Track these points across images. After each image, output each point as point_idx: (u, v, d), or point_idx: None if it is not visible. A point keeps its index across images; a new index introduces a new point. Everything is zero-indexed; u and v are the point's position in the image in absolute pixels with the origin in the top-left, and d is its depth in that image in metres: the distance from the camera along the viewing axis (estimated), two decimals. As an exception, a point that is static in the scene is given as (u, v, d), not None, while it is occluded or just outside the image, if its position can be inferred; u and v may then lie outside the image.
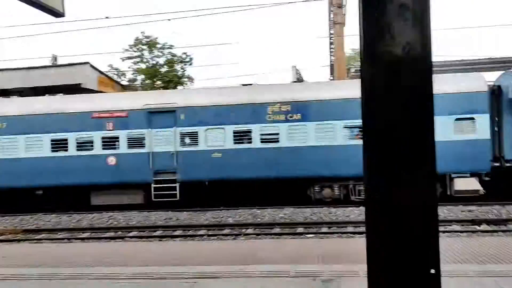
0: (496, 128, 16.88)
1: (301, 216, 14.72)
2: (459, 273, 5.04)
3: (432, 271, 3.48)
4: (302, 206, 16.13)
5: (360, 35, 3.79)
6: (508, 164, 16.70)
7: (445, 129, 16.55)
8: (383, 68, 3.53)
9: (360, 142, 3.34)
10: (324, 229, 13.04)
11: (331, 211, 15.37)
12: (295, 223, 13.83)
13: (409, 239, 3.47)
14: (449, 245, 7.80)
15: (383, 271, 3.51)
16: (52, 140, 17.85)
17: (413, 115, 3.53)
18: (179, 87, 34.16)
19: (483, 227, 13.09)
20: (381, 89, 3.58)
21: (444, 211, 15.18)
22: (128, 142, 17.53)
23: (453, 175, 16.49)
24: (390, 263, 3.49)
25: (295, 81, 20.78)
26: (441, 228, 13.06)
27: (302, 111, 16.77)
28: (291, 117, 16.80)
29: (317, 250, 7.17)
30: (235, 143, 16.99)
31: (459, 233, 11.96)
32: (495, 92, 16.99)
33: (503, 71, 18.38)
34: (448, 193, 16.72)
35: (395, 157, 3.51)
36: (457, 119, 16.58)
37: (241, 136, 17.06)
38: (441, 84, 16.88)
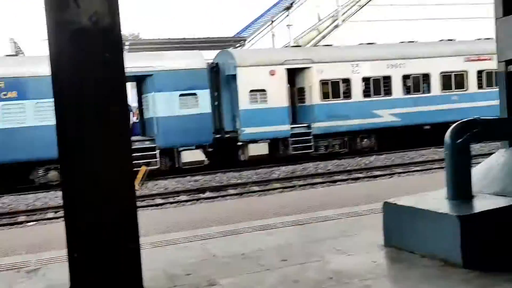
0: (216, 103, 18.31)
1: (23, 204, 13.47)
2: (174, 240, 5.23)
3: (131, 245, 3.50)
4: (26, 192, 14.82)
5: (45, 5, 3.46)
6: (227, 135, 18.35)
7: (171, 105, 17.18)
8: (68, 38, 3.30)
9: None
10: (51, 215, 12.21)
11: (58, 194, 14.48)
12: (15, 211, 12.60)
13: (107, 217, 3.40)
14: (171, 214, 8.16)
15: (83, 250, 3.37)
16: None
17: (105, 89, 3.41)
18: None
19: (207, 194, 14.13)
20: (69, 62, 3.36)
21: (173, 183, 15.86)
22: None
23: (180, 148, 17.31)
24: (89, 242, 3.37)
25: (12, 55, 18.66)
26: (170, 200, 13.60)
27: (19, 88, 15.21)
28: (5, 95, 15.08)
29: (32, 239, 6.64)
30: None
31: (184, 203, 12.61)
32: (214, 69, 18.36)
33: (220, 50, 19.97)
34: (177, 165, 17.51)
35: (89, 132, 3.36)
36: (181, 95, 17.36)
37: None
38: (165, 61, 17.44)
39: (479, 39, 24.26)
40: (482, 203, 3.99)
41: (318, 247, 4.59)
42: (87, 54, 3.33)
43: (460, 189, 4.14)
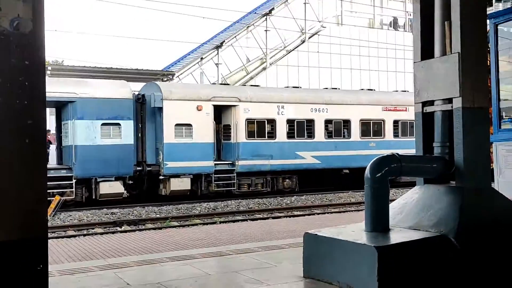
0: (139, 134, 17.94)
1: None
2: (84, 269, 4.94)
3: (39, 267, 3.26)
4: None
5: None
6: (149, 168, 17.94)
7: (91, 133, 16.62)
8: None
9: None
10: None
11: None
12: None
13: (16, 242, 3.16)
14: (83, 244, 7.74)
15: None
16: None
17: (23, 97, 3.22)
18: None
19: (124, 227, 13.59)
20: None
21: (88, 215, 15.15)
22: None
23: (98, 179, 16.67)
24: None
25: None
26: (83, 232, 12.94)
27: None
28: None
29: None
30: None
31: (99, 235, 12.03)
32: (140, 101, 18.06)
33: (147, 82, 19.78)
34: (94, 197, 16.80)
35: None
36: (104, 124, 16.87)
37: None
38: (89, 88, 16.96)
39: (396, 90, 25.78)
40: (398, 236, 4.11)
41: (237, 278, 4.50)
42: (5, 60, 3.14)
43: (378, 222, 4.25)
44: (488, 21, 5.39)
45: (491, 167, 4.84)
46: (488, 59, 5.42)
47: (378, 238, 4.08)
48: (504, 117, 5.48)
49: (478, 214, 4.18)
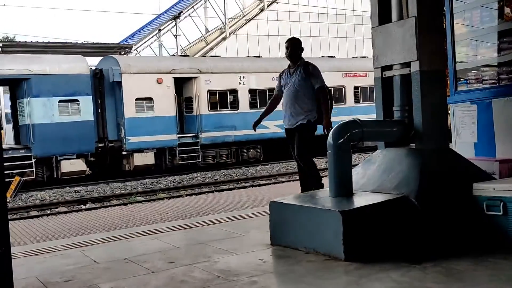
0: (99, 110, 17.57)
1: None
2: (49, 249, 4.87)
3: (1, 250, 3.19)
4: None
5: None
6: (111, 144, 17.66)
7: (49, 111, 16.18)
8: None
9: None
10: None
11: None
12: None
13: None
14: (47, 224, 7.61)
15: None
16: None
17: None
18: None
19: (89, 205, 13.43)
20: None
21: (50, 194, 14.88)
22: None
23: (59, 158, 16.32)
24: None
25: None
26: (47, 212, 12.72)
27: None
28: None
29: None
30: None
31: (63, 214, 11.85)
32: (98, 76, 17.63)
33: (104, 56, 19.27)
34: (56, 176, 16.48)
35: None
36: (61, 101, 16.43)
37: None
38: (44, 65, 16.41)
39: (356, 57, 25.96)
40: (361, 199, 4.19)
41: (205, 249, 4.52)
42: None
43: (342, 187, 4.32)
44: (443, -16, 5.45)
45: (449, 129, 4.97)
46: (444, 22, 5.50)
47: (343, 202, 4.16)
48: (460, 79, 5.60)
49: (437, 175, 4.30)
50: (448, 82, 5.49)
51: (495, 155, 5.04)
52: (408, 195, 4.10)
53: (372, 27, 4.88)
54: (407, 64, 4.54)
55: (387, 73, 4.79)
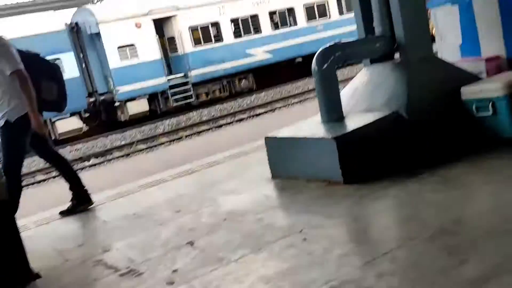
0: (83, 65, 17.29)
1: None
2: (54, 218, 4.95)
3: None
4: None
5: None
6: (102, 97, 17.54)
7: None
8: None
9: None
10: None
11: None
12: None
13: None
14: (52, 189, 7.74)
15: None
16: None
17: None
18: None
19: (92, 161, 13.55)
20: None
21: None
22: None
23: (53, 119, 16.27)
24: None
25: None
26: (52, 174, 12.85)
27: None
28: None
29: None
30: None
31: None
32: (75, 30, 17.18)
33: (77, 8, 18.69)
34: (53, 137, 16.50)
35: None
36: (44, 62, 16.12)
37: None
38: (21, 26, 15.95)
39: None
40: (353, 122, 4.21)
41: (209, 192, 4.62)
42: None
43: (332, 112, 4.34)
44: None
45: (432, 35, 4.91)
46: None
47: (335, 128, 4.19)
48: (439, -19, 5.45)
49: (425, 85, 4.30)
50: (426, -14, 5.35)
51: (481, 54, 5.01)
52: (398, 109, 4.12)
53: None
54: (382, -25, 4.41)
55: (364, -12, 4.66)
